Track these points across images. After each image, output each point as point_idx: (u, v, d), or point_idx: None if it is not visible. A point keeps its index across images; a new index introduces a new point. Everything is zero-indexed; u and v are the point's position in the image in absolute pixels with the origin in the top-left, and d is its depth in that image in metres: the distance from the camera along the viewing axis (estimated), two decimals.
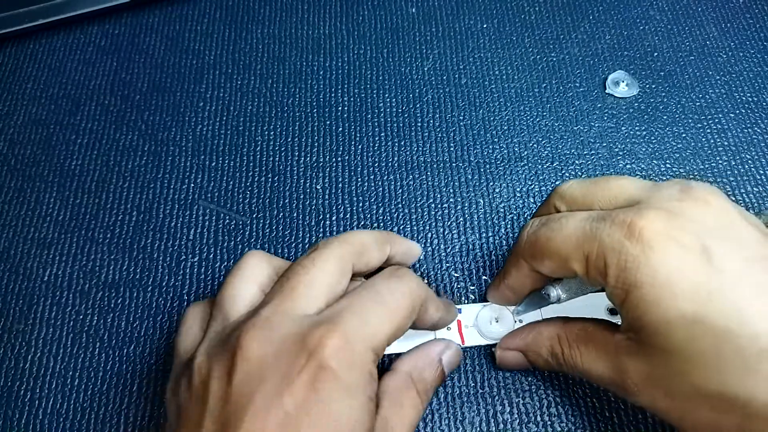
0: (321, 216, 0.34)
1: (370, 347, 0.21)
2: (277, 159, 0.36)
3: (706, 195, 0.22)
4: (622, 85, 0.38)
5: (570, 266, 0.23)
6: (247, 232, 0.33)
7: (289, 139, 0.37)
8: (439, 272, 0.31)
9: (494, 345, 0.29)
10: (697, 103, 0.37)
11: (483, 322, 0.29)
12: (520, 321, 0.29)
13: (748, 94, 0.37)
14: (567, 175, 0.35)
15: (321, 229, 0.33)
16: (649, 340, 0.21)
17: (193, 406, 0.21)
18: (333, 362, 0.20)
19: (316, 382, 0.20)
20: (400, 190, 0.34)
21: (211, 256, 0.33)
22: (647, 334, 0.21)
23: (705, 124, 0.36)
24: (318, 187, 0.35)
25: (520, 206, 0.34)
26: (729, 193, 0.34)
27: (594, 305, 0.28)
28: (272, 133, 0.37)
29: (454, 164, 0.35)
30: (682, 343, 0.20)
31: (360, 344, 0.21)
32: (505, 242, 0.32)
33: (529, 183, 0.34)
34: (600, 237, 0.21)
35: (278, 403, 0.20)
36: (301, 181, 0.35)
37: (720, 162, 0.35)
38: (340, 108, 0.38)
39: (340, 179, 0.35)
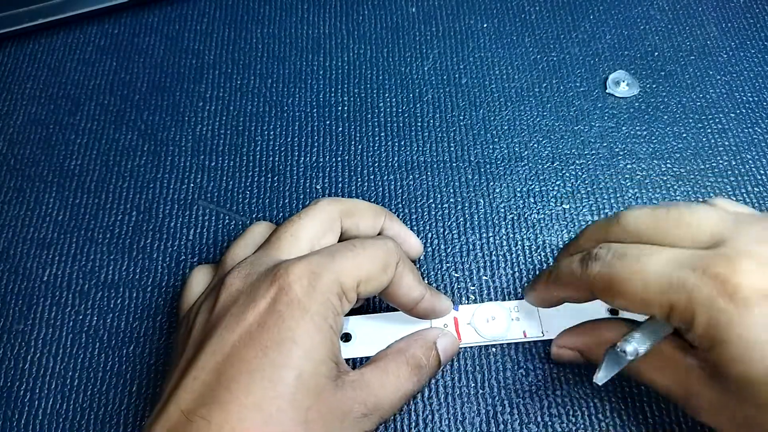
0: None
1: (335, 280, 0.23)
2: (277, 159, 0.36)
3: None
4: (622, 85, 0.37)
5: (650, 310, 0.22)
6: None
7: (289, 139, 0.37)
8: (439, 272, 0.31)
9: (491, 345, 0.29)
10: (698, 103, 0.37)
11: (479, 321, 0.29)
12: (517, 319, 0.29)
13: (749, 94, 0.37)
14: (567, 175, 0.35)
15: None
16: (730, 387, 0.20)
17: (182, 341, 0.24)
18: (295, 286, 0.22)
19: (277, 303, 0.22)
20: (400, 190, 0.34)
21: (211, 256, 0.33)
22: (729, 382, 0.20)
23: (706, 123, 0.36)
24: (318, 187, 0.35)
25: (521, 206, 0.33)
26: (729, 193, 0.33)
27: (594, 308, 0.27)
28: (272, 133, 0.37)
29: (454, 164, 0.35)
30: (764, 399, 0.19)
31: (325, 275, 0.22)
32: (505, 242, 0.32)
33: (530, 183, 0.34)
34: (689, 289, 0.20)
35: (242, 320, 0.22)
36: (301, 181, 0.35)
37: (721, 162, 0.35)
38: (340, 108, 0.38)
39: (340, 179, 0.35)
